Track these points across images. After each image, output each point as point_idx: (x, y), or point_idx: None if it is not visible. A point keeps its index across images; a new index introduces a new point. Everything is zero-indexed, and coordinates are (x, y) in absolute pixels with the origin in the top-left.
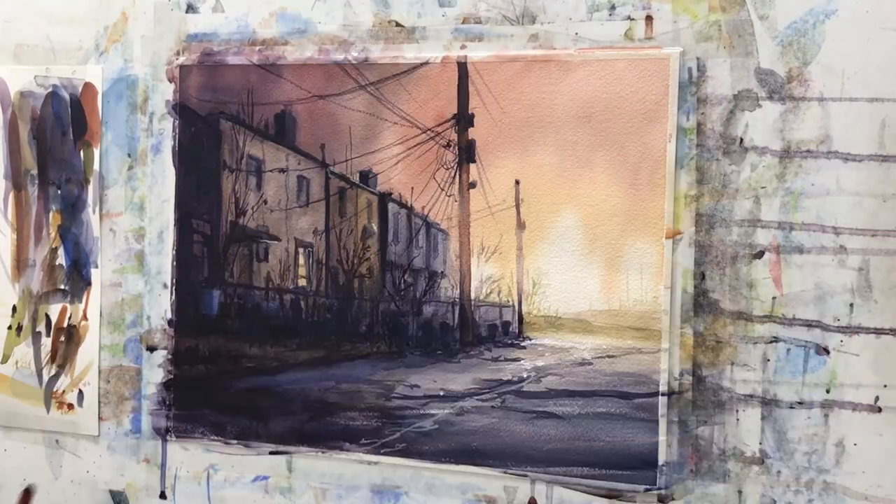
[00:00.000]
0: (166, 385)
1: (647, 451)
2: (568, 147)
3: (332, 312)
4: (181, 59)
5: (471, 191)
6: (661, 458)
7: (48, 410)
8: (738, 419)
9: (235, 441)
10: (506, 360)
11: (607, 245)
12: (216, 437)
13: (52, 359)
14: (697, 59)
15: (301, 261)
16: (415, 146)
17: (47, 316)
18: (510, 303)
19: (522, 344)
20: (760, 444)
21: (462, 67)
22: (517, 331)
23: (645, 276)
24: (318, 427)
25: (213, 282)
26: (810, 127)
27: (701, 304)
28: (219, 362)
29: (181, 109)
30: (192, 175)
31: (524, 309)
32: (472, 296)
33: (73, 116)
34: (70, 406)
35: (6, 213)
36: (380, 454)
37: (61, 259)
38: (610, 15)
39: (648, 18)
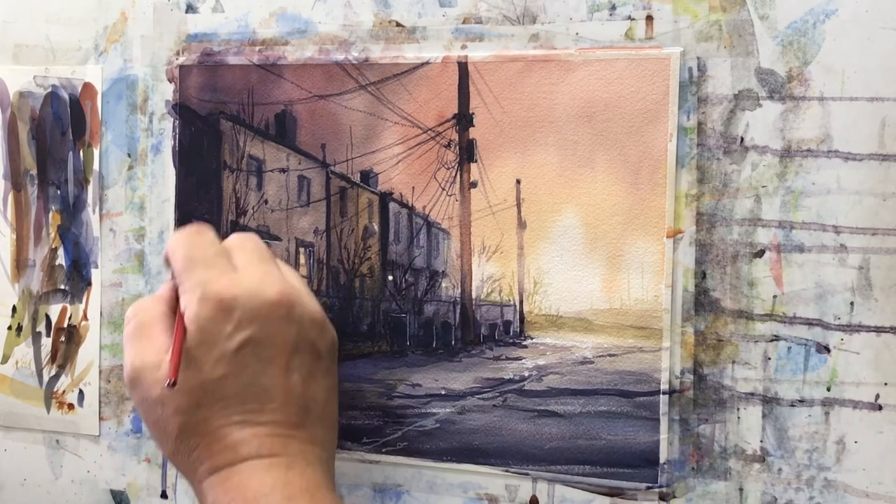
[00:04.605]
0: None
1: (649, 449)
2: (569, 146)
3: (333, 312)
4: (181, 59)
5: (472, 190)
6: (663, 457)
7: (48, 410)
8: (738, 417)
9: None
10: (507, 358)
11: (608, 244)
12: None
13: (53, 359)
14: (698, 58)
15: (302, 260)
16: (415, 146)
17: (47, 316)
18: (511, 302)
19: (524, 343)
20: (761, 441)
21: (462, 67)
22: (518, 330)
23: (646, 275)
24: None
25: None
26: (810, 126)
27: (702, 302)
28: None
29: (181, 109)
30: (193, 175)
31: (525, 308)
32: (474, 295)
33: (72, 116)
34: (70, 406)
35: (6, 214)
36: (381, 453)
37: (61, 259)
38: (610, 15)
39: (649, 18)
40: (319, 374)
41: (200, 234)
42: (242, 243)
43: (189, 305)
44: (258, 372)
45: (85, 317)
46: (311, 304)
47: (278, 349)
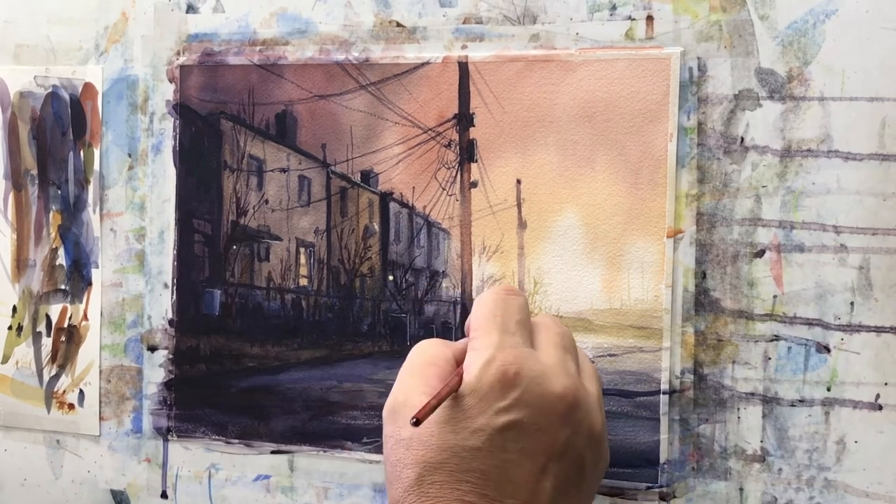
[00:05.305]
0: (167, 385)
1: (649, 449)
2: (569, 146)
3: (334, 312)
4: (181, 60)
5: (472, 190)
6: (663, 457)
7: (49, 410)
8: (739, 417)
9: (237, 440)
10: None
11: (608, 244)
12: (217, 437)
13: (53, 359)
14: (698, 58)
15: (302, 260)
16: (416, 146)
17: (48, 316)
18: None
19: None
20: (762, 441)
21: (463, 67)
22: None
23: (646, 275)
24: (320, 426)
25: (214, 281)
26: (811, 126)
27: (702, 302)
28: (220, 362)
29: (182, 109)
30: (193, 175)
31: None
32: (474, 295)
33: (73, 116)
34: (71, 406)
35: (6, 214)
36: (381, 453)
37: (61, 259)
38: (611, 15)
39: (649, 18)
40: (574, 490)
41: (511, 297)
42: (550, 325)
43: (472, 364)
44: (512, 461)
45: (85, 317)
46: (595, 413)
47: (542, 446)
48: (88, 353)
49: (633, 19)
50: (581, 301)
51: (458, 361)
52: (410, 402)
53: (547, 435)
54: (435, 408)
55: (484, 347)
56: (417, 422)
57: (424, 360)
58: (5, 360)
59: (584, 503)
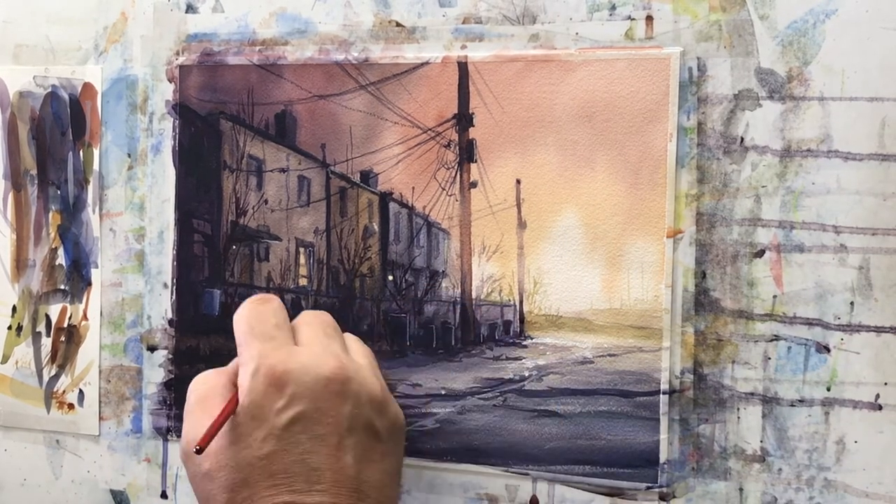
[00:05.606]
0: (167, 384)
1: (649, 449)
2: (569, 146)
3: (334, 312)
4: (181, 59)
5: (472, 190)
6: (663, 457)
7: (48, 410)
8: (738, 417)
9: None
10: (507, 358)
11: (608, 244)
12: None
13: (53, 359)
14: (698, 58)
15: (302, 260)
16: (415, 146)
17: (47, 316)
18: (511, 302)
19: (524, 343)
20: (761, 441)
21: (462, 67)
22: (518, 330)
23: (646, 275)
24: None
25: (214, 281)
26: (810, 126)
27: (702, 302)
28: (220, 362)
29: (181, 109)
30: (193, 175)
31: (525, 308)
32: (474, 295)
33: (72, 116)
34: (70, 406)
35: (6, 214)
36: None
37: (61, 259)
38: (610, 15)
39: (649, 18)
40: (376, 456)
41: (264, 305)
42: (310, 319)
43: (243, 379)
44: (308, 450)
45: (85, 317)
46: (370, 381)
47: (330, 427)
48: (88, 353)
49: (633, 19)
50: (581, 301)
51: (235, 382)
52: (199, 437)
53: (331, 415)
54: (216, 430)
55: (249, 360)
56: (200, 449)
57: (201, 394)
58: (5, 360)
59: (391, 465)
